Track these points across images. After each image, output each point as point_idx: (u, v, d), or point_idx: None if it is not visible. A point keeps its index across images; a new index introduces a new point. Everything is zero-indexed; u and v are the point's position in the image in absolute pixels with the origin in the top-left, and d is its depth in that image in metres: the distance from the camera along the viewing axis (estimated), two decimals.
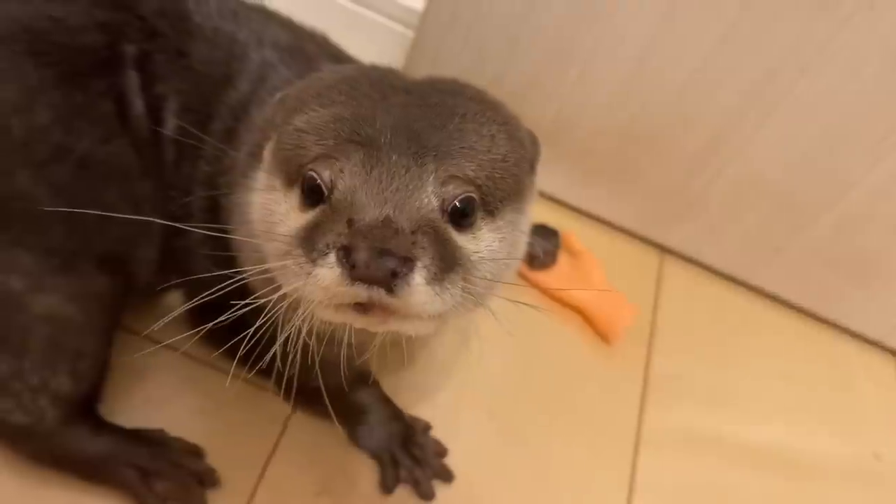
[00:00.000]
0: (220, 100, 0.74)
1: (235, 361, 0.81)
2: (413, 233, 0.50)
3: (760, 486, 0.92)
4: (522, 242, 0.63)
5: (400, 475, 0.81)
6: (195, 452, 0.76)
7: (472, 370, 0.92)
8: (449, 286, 0.52)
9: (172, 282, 0.72)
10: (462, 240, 0.55)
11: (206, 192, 0.72)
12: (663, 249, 1.12)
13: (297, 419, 0.83)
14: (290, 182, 0.57)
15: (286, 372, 0.62)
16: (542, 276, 1.01)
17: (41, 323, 0.67)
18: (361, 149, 0.53)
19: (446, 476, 0.82)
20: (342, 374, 0.76)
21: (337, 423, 0.80)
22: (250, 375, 0.79)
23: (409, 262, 0.49)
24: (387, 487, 0.80)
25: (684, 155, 0.99)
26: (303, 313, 0.54)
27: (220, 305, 0.59)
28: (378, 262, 0.48)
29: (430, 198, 0.53)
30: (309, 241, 0.52)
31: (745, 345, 1.06)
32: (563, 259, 1.04)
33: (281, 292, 0.54)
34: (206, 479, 0.75)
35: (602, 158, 1.04)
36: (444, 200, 0.54)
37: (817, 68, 0.86)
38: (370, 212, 0.51)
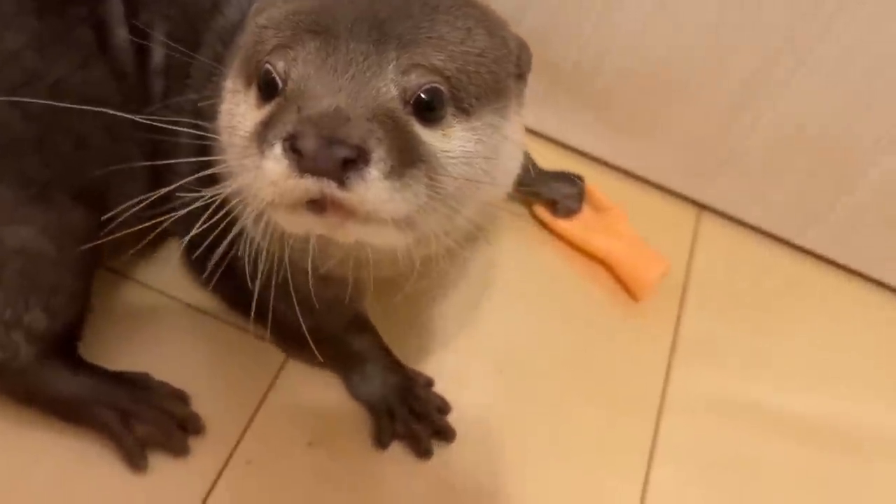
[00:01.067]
0: (207, 27, 0.70)
1: (232, 308, 0.80)
2: (368, 121, 0.45)
3: (801, 460, 0.83)
4: (509, 151, 0.57)
5: (396, 429, 0.75)
6: (180, 397, 0.72)
7: (483, 323, 0.86)
8: (411, 183, 0.47)
9: (164, 222, 0.68)
10: (429, 136, 0.50)
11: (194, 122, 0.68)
12: (701, 206, 1.02)
13: (291, 367, 0.78)
14: (249, 81, 0.53)
15: (270, 307, 0.60)
16: (565, 225, 0.93)
17: (13, 256, 0.63)
18: (318, 37, 0.49)
19: (447, 434, 0.76)
20: (336, 317, 0.73)
21: (332, 371, 0.76)
22: (250, 325, 0.76)
23: (362, 152, 0.44)
24: (381, 442, 0.74)
25: (716, 103, 0.90)
26: (254, 212, 0.49)
27: (213, 246, 0.55)
28: (327, 151, 0.43)
29: (388, 86, 0.48)
30: (261, 136, 0.47)
31: (788, 308, 0.95)
32: (587, 210, 0.96)
33: (232, 189, 0.50)
34: (190, 424, 0.71)
35: (629, 108, 0.95)
36: (405, 90, 0.49)
37: (857, 2, 0.76)
38: (322, 100, 0.46)
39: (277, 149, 0.45)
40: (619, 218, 0.94)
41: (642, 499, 0.77)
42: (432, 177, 0.49)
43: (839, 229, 0.95)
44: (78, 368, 0.69)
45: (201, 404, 0.73)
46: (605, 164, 1.03)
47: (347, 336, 0.76)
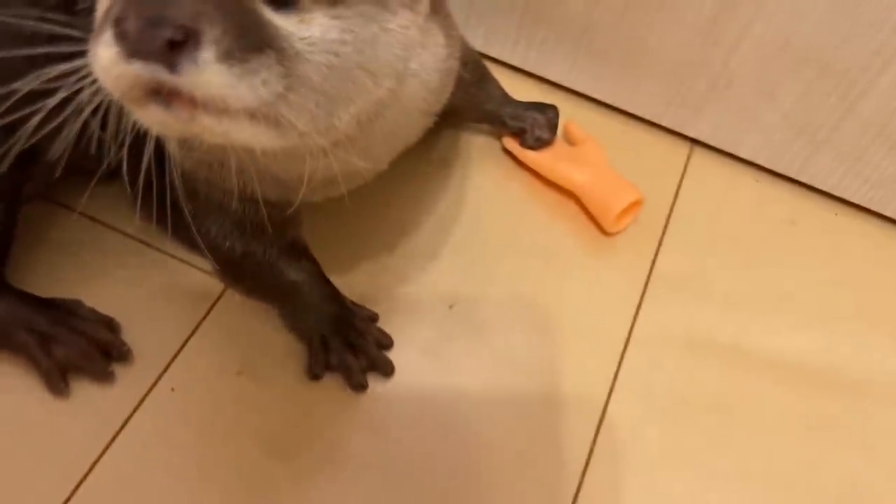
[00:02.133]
0: None
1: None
2: (201, 1, 0.40)
3: (777, 402, 0.74)
4: (390, 43, 0.50)
5: (330, 361, 0.71)
6: (107, 324, 0.70)
7: (438, 257, 0.80)
8: (260, 70, 0.42)
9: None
10: (283, 21, 0.44)
11: None
12: (693, 142, 0.94)
13: (227, 298, 0.75)
14: None
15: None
16: (534, 156, 0.87)
17: None
18: None
19: (385, 368, 0.71)
20: (270, 243, 0.69)
21: (267, 301, 0.73)
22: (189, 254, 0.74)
23: (191, 32, 0.39)
24: (312, 373, 0.70)
25: (697, 20, 0.81)
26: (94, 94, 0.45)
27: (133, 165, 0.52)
28: (150, 32, 0.39)
29: None
30: (102, 21, 0.43)
31: (781, 246, 0.86)
32: (560, 143, 0.89)
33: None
34: (115, 351, 0.69)
35: (604, 33, 0.88)
36: None
37: None
38: None
39: (107, 34, 0.41)
40: (592, 149, 0.87)
41: (596, 434, 0.70)
42: (287, 65, 0.44)
43: (841, 158, 0.86)
44: (1, 293, 0.67)
45: (133, 332, 0.71)
46: (588, 98, 0.96)
47: (283, 264, 0.72)
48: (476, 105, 0.87)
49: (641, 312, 0.79)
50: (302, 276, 0.72)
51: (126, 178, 0.56)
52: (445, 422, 0.70)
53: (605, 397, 0.73)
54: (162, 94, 0.42)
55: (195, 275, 0.75)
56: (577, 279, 0.81)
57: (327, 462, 0.67)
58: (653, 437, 0.71)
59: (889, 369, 0.77)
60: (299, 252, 0.73)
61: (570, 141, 0.90)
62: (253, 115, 0.43)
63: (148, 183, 0.53)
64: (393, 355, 0.73)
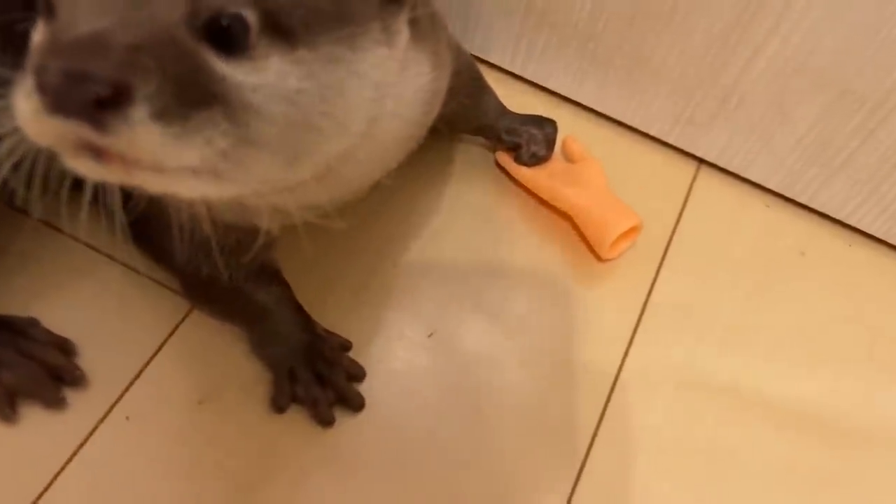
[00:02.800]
0: None
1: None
2: (132, 50, 0.35)
3: (778, 447, 0.69)
4: (360, 88, 0.45)
5: (297, 393, 0.66)
6: (61, 346, 0.66)
7: (418, 280, 0.76)
8: (202, 128, 0.37)
9: None
10: (230, 69, 0.38)
11: None
12: (700, 162, 0.88)
13: (194, 319, 0.70)
14: None
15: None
16: (528, 173, 0.81)
17: None
18: None
19: (354, 402, 0.67)
20: (240, 266, 0.65)
21: (236, 325, 0.69)
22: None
23: (120, 88, 0.34)
24: (277, 404, 0.66)
25: (710, 33, 0.75)
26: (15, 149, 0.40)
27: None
28: (73, 88, 0.34)
29: (170, 8, 0.37)
30: (28, 64, 0.38)
31: (791, 276, 0.81)
32: (558, 160, 0.84)
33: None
34: (67, 375, 0.65)
35: (610, 45, 0.82)
36: (194, 13, 0.37)
37: None
38: (79, 24, 0.36)
39: (29, 83, 0.36)
40: (591, 168, 0.82)
41: (575, 483, 0.66)
42: (236, 119, 0.38)
43: (858, 187, 0.80)
44: None
45: (90, 353, 0.67)
46: (590, 110, 0.90)
47: (251, 287, 0.67)
48: (470, 117, 0.82)
49: (633, 347, 0.74)
50: (271, 301, 0.67)
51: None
52: (418, 462, 0.65)
53: (588, 441, 0.68)
54: (93, 149, 0.37)
55: (160, 292, 0.71)
56: (566, 309, 0.76)
57: (289, 500, 0.62)
58: (636, 487, 0.66)
59: (891, 421, 0.72)
60: (270, 275, 0.68)
61: (569, 158, 0.85)
62: (196, 171, 0.38)
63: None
64: (365, 386, 0.68)
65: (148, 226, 0.58)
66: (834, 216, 0.84)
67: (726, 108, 0.81)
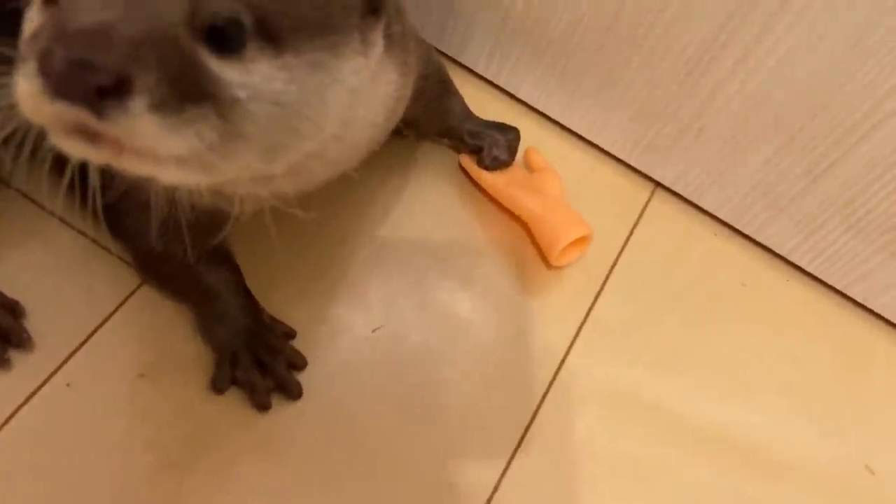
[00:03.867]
0: None
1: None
2: (135, 43, 0.37)
3: (697, 471, 0.73)
4: (339, 94, 0.48)
5: (237, 376, 0.68)
6: (9, 308, 0.67)
7: (368, 275, 0.78)
8: (194, 122, 0.39)
9: None
10: (223, 68, 0.41)
11: None
12: (656, 185, 0.91)
13: (143, 293, 0.72)
14: None
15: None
16: (489, 178, 0.84)
17: None
18: None
19: (292, 391, 0.69)
20: (191, 246, 0.67)
21: (184, 304, 0.70)
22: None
23: (122, 79, 0.36)
24: (216, 386, 0.68)
25: (675, 65, 0.78)
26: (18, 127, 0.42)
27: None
28: (77, 75, 0.36)
29: (173, 7, 0.39)
30: (28, 45, 0.40)
31: (728, 308, 0.84)
32: (519, 168, 0.86)
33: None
34: (15, 337, 0.66)
35: (582, 63, 0.84)
36: (195, 14, 0.40)
37: None
38: (86, 14, 0.37)
39: (31, 66, 0.38)
40: (549, 178, 0.84)
41: (497, 484, 0.69)
42: (224, 115, 0.41)
43: (799, 227, 0.84)
44: None
45: (37, 317, 0.68)
46: (556, 123, 0.93)
47: (203, 269, 0.69)
48: (436, 119, 0.84)
49: (569, 358, 0.77)
50: (220, 284, 0.69)
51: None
52: (349, 453, 0.68)
53: (514, 446, 0.71)
54: (87, 132, 0.39)
55: (113, 263, 0.72)
56: (510, 315, 0.79)
57: (217, 482, 0.65)
58: (554, 492, 0.69)
59: (809, 455, 0.76)
60: (222, 258, 0.70)
61: (529, 167, 0.87)
62: (183, 160, 0.41)
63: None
64: (305, 375, 0.71)
65: (120, 202, 0.60)
66: (776, 251, 0.88)
67: (686, 138, 0.83)
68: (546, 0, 0.81)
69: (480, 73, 0.93)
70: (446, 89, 0.83)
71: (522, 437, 0.71)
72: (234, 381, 0.68)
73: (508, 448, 0.71)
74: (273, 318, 0.72)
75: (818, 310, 0.86)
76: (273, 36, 0.42)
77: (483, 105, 0.90)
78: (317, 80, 0.46)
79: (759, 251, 0.89)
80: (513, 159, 0.85)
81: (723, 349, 0.81)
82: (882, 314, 0.85)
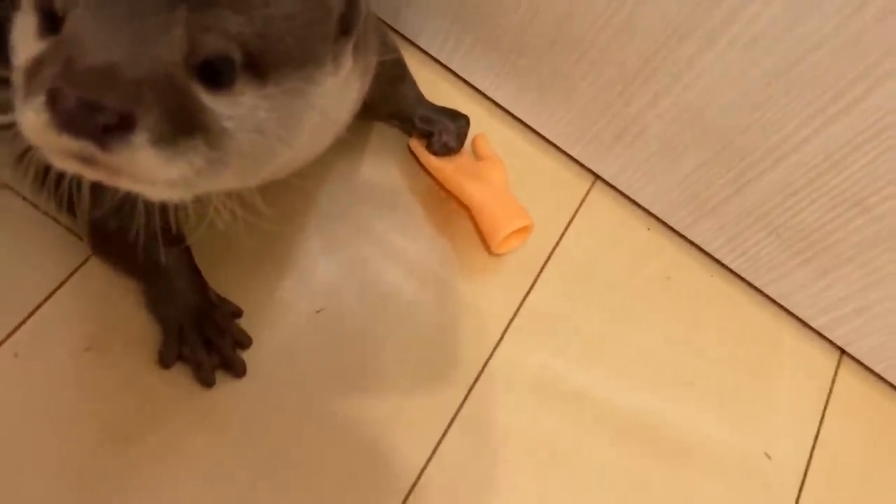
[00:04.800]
0: None
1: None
2: (139, 84, 0.42)
3: (612, 455, 0.81)
4: (313, 118, 0.54)
5: (183, 352, 0.73)
6: None
7: (315, 257, 0.82)
8: (187, 152, 0.45)
9: None
10: (213, 102, 0.46)
11: None
12: (596, 177, 0.97)
13: (91, 267, 0.75)
14: (35, 4, 0.49)
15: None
16: (436, 163, 0.88)
17: None
18: None
19: (236, 369, 0.74)
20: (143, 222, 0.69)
21: (133, 279, 0.74)
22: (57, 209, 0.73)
23: (127, 118, 0.42)
24: (163, 360, 0.72)
25: (620, 72, 0.83)
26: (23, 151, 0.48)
27: None
28: (86, 115, 0.41)
29: (172, 48, 0.44)
30: (31, 75, 0.44)
31: (655, 301, 0.91)
32: (467, 155, 0.91)
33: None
34: None
35: (533, 57, 0.88)
36: (191, 54, 0.45)
37: None
38: (93, 54, 0.42)
39: (39, 100, 0.42)
40: (495, 167, 0.89)
41: (427, 462, 0.76)
42: (213, 144, 0.47)
43: (725, 229, 0.91)
44: None
45: None
46: (505, 111, 0.97)
47: (153, 245, 0.72)
48: (389, 102, 0.88)
49: (501, 345, 0.83)
50: (170, 261, 0.72)
51: None
52: (288, 431, 0.73)
53: (443, 429, 0.77)
54: (86, 158, 0.44)
55: (62, 235, 0.75)
56: (450, 301, 0.84)
57: (160, 455, 0.69)
58: (479, 473, 0.76)
59: (715, 441, 0.85)
60: (172, 235, 0.73)
61: (476, 155, 0.92)
62: (171, 182, 0.46)
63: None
64: (250, 353, 0.75)
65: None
66: (703, 248, 0.95)
67: (626, 137, 0.89)
68: None
69: (434, 55, 0.97)
70: (401, 73, 0.87)
71: (452, 420, 0.78)
72: (181, 357, 0.73)
73: (438, 430, 0.77)
74: (220, 297, 0.76)
75: (736, 304, 0.94)
76: (259, 69, 0.48)
77: (434, 87, 0.93)
78: (295, 107, 0.52)
79: (687, 246, 0.96)
80: (461, 146, 0.89)
81: (644, 340, 0.88)
82: (793, 311, 0.94)
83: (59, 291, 0.73)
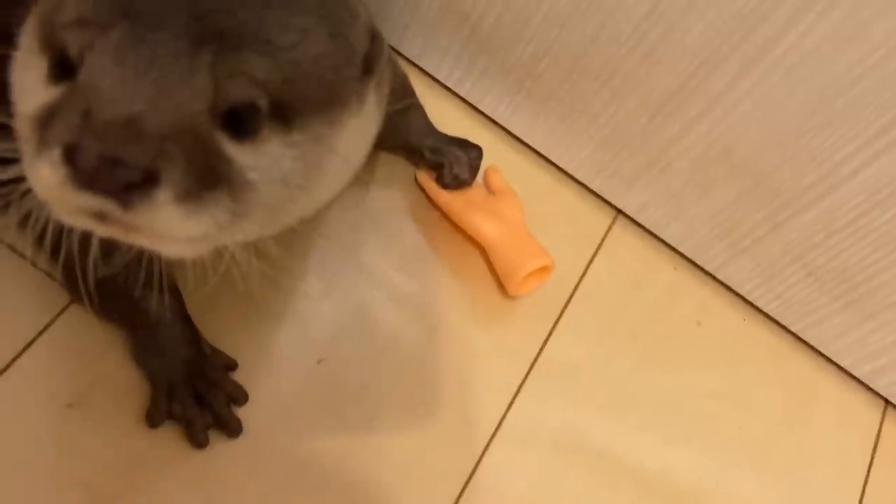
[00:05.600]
0: None
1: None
2: (162, 139, 0.41)
3: None
4: (336, 164, 0.53)
5: (173, 410, 0.70)
6: None
7: (314, 301, 0.79)
8: (210, 207, 0.44)
9: None
10: (238, 152, 0.45)
11: None
12: (618, 212, 0.95)
13: (72, 314, 0.72)
14: (43, 46, 0.47)
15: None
16: (447, 196, 0.85)
17: None
18: (124, 21, 0.42)
19: (231, 428, 0.71)
20: (133, 271, 0.67)
21: (119, 328, 0.71)
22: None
23: (150, 175, 0.40)
24: (150, 420, 0.69)
25: (645, 101, 0.81)
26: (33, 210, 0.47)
27: None
28: (108, 172, 0.39)
29: (197, 97, 0.43)
30: (43, 126, 0.43)
31: (684, 346, 0.88)
32: (479, 188, 0.88)
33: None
34: None
35: (549, 86, 0.86)
36: (217, 103, 0.43)
37: (816, 21, 0.66)
38: (114, 105, 0.41)
39: (56, 153, 0.41)
40: (509, 202, 0.87)
41: None
42: (237, 197, 0.45)
43: (759, 269, 0.88)
44: None
45: None
46: (519, 140, 0.95)
47: (143, 292, 0.70)
48: (396, 132, 0.85)
49: (517, 400, 0.80)
50: (161, 311, 0.70)
51: None
52: (288, 495, 0.70)
53: (458, 492, 0.74)
54: (100, 215, 0.42)
55: (38, 280, 0.72)
56: (460, 350, 0.81)
57: None
58: None
59: (745, 503, 0.81)
60: (163, 282, 0.71)
61: (489, 188, 0.89)
62: (193, 239, 0.45)
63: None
64: (246, 409, 0.72)
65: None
66: (735, 289, 0.92)
67: (651, 172, 0.87)
68: (517, 21, 0.82)
69: (442, 80, 0.95)
70: (410, 103, 0.85)
71: (466, 484, 0.74)
72: (171, 415, 0.70)
73: (451, 495, 0.74)
74: (213, 348, 0.73)
75: (771, 351, 0.91)
76: (285, 116, 0.47)
77: (443, 115, 0.91)
78: (318, 154, 0.50)
79: (717, 287, 0.93)
80: (474, 178, 0.87)
81: (673, 391, 0.85)
82: (833, 359, 0.91)
83: (36, 342, 0.70)
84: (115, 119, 0.40)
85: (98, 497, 0.66)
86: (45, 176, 0.41)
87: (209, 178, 0.44)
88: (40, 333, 0.71)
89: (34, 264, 0.72)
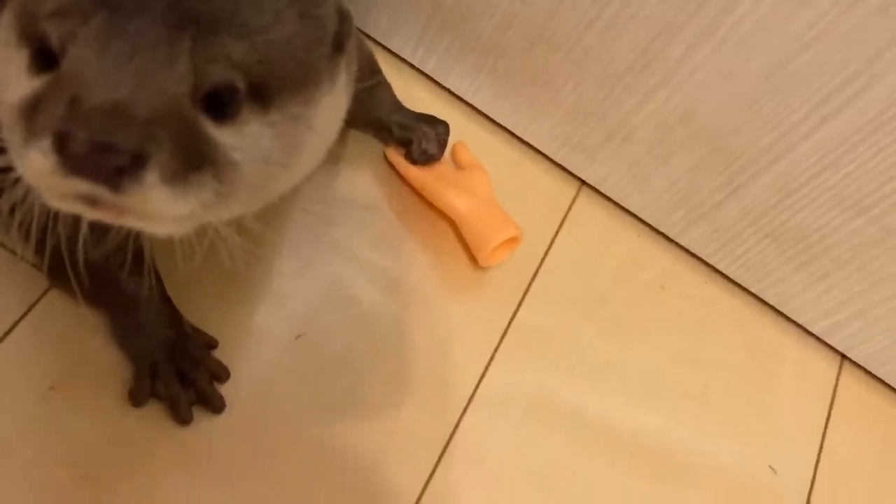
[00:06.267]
0: None
1: None
2: (149, 122, 0.44)
3: (613, 475, 0.83)
4: (312, 143, 0.57)
5: (156, 389, 0.73)
6: None
7: (291, 279, 0.83)
8: (196, 187, 0.47)
9: None
10: (220, 133, 0.49)
11: None
12: (582, 184, 1.00)
13: (52, 299, 0.75)
14: (23, 36, 0.50)
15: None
16: (416, 172, 0.90)
17: None
18: (104, 10, 0.45)
19: (215, 404, 0.74)
20: (112, 251, 0.70)
21: (99, 311, 0.74)
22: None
23: (139, 158, 0.43)
24: (134, 399, 0.72)
25: (606, 73, 0.85)
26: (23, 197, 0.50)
27: None
28: (98, 157, 0.42)
29: (178, 81, 0.46)
30: (29, 116, 0.46)
31: (649, 312, 0.94)
32: (447, 163, 0.92)
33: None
34: None
35: (512, 61, 0.91)
36: (197, 86, 0.47)
37: None
38: (99, 92, 0.44)
39: (45, 142, 0.43)
40: (478, 176, 0.91)
41: (421, 494, 0.77)
42: (221, 177, 0.49)
43: (719, 233, 0.94)
44: None
45: None
46: (484, 115, 0.99)
47: (122, 274, 0.72)
48: (364, 110, 0.88)
49: (491, 367, 0.85)
50: (141, 292, 0.73)
51: None
52: (273, 467, 0.74)
53: (437, 456, 0.79)
54: (91, 198, 0.45)
55: (16, 266, 0.75)
56: (435, 321, 0.86)
57: (135, 499, 0.70)
58: (476, 503, 0.78)
59: (714, 459, 0.87)
60: (142, 263, 0.73)
61: (457, 164, 0.94)
62: (179, 218, 0.48)
63: None
64: (228, 386, 0.76)
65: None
66: (697, 254, 0.98)
67: (612, 142, 0.92)
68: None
69: (407, 58, 0.99)
70: (377, 80, 0.89)
71: (445, 448, 0.79)
72: (154, 394, 0.73)
73: (431, 459, 0.78)
74: (194, 328, 0.76)
75: (734, 312, 0.97)
76: (263, 96, 0.50)
77: (409, 92, 0.95)
78: (296, 132, 0.54)
79: (680, 252, 0.99)
80: (442, 153, 0.91)
81: (638, 355, 0.91)
82: (792, 317, 0.97)
83: (17, 328, 0.73)
84: (101, 105, 0.43)
85: (85, 476, 0.69)
86: (36, 164, 0.44)
87: (194, 160, 0.47)
88: (20, 319, 0.73)
89: (22, 257, 0.74)
